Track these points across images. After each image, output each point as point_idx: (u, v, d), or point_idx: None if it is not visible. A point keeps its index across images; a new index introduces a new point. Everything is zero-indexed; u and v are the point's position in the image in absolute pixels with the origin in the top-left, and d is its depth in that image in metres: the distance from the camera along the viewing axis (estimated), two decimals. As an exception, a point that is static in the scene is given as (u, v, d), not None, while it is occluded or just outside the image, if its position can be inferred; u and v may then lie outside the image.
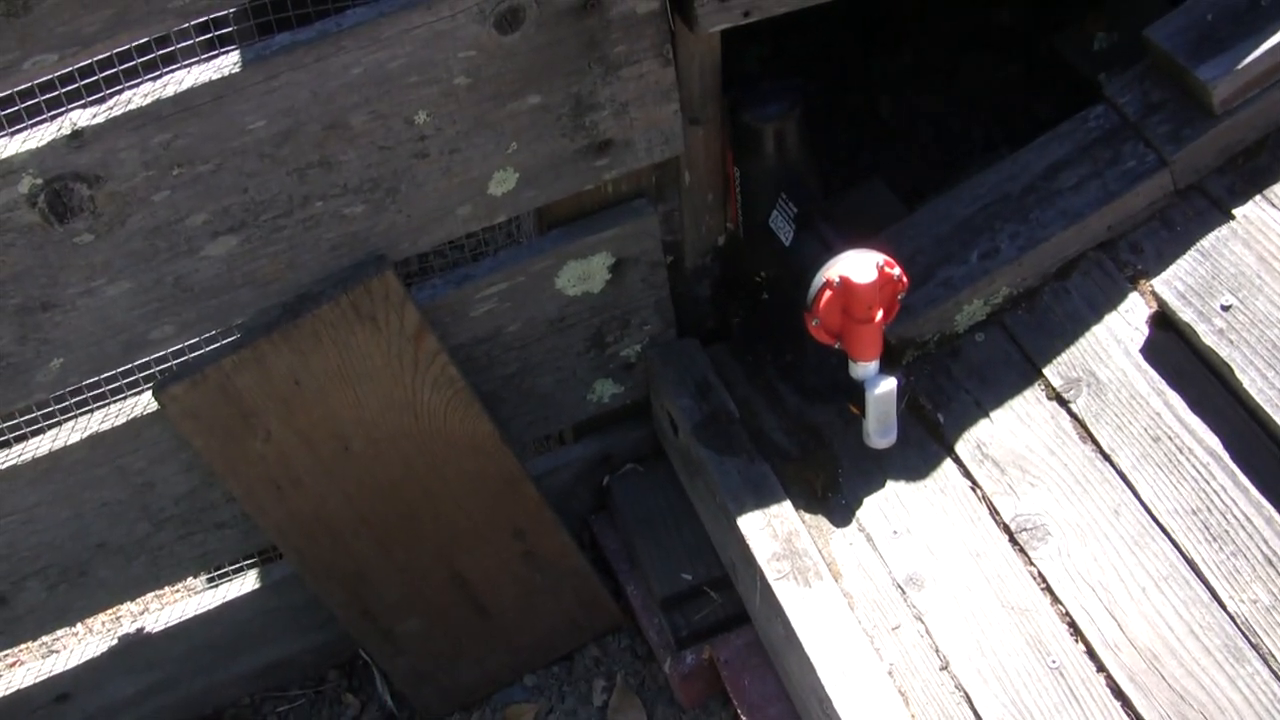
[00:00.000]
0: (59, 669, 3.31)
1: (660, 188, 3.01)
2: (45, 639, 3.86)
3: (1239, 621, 2.59)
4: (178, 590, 3.83)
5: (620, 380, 3.26)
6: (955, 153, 3.92)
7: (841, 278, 2.73)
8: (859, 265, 2.73)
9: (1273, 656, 2.54)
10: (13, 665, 3.88)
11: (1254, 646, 2.56)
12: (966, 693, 2.66)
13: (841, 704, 2.65)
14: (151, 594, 3.75)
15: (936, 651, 2.72)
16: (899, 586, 2.82)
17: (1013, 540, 2.81)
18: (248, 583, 3.36)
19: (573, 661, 3.50)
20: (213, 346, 2.76)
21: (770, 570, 2.83)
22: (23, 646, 3.85)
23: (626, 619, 3.47)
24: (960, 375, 3.05)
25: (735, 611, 3.17)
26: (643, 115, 2.77)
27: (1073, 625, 2.68)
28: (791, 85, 2.93)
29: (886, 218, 3.30)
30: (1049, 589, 2.73)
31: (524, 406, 3.18)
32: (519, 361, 3.09)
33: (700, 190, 3.05)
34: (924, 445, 3.00)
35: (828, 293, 2.75)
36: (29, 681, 3.31)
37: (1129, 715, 2.56)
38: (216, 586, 3.40)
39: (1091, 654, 2.64)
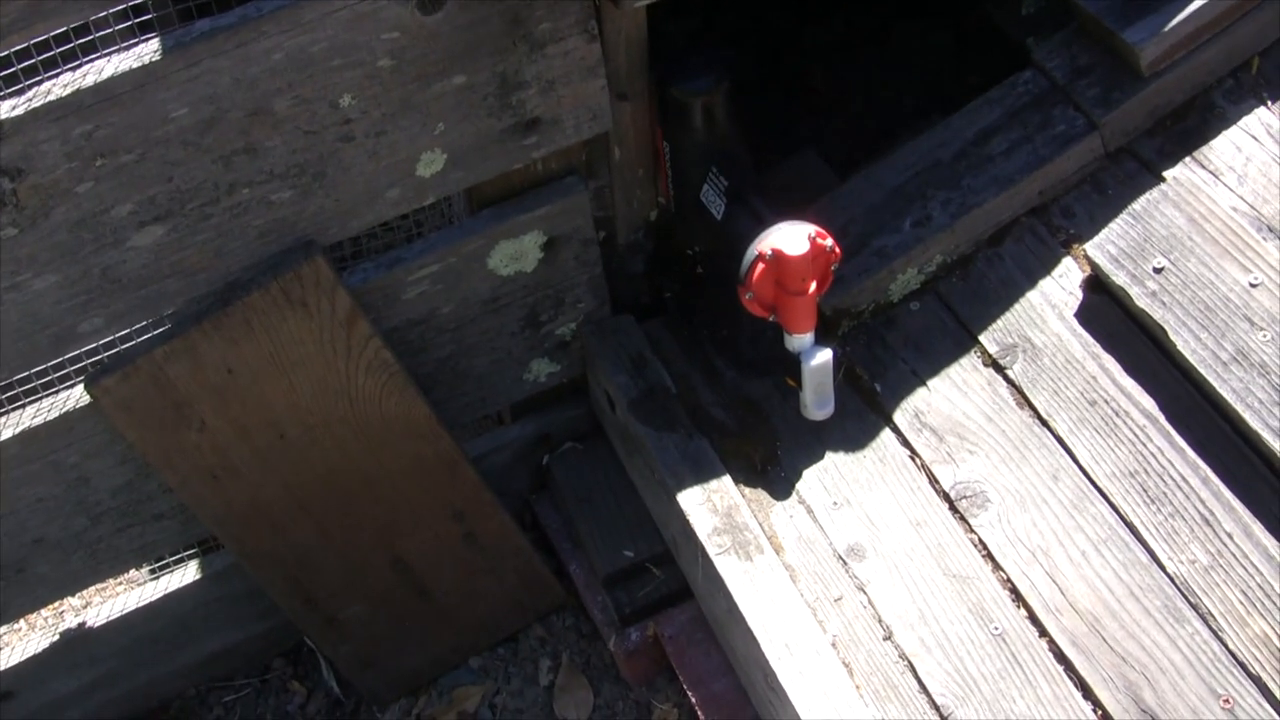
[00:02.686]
0: (0, 667, 3.28)
1: (590, 164, 3.00)
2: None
3: (1178, 582, 2.60)
4: (121, 583, 3.81)
5: (556, 359, 3.25)
6: (888, 121, 3.91)
7: (774, 250, 2.72)
8: (791, 237, 2.73)
9: (1211, 616, 2.55)
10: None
11: (1193, 606, 2.57)
12: (910, 662, 2.66)
13: (786, 677, 2.65)
14: (94, 588, 3.72)
15: (879, 622, 2.73)
16: (840, 558, 2.82)
17: (953, 508, 2.81)
18: (189, 573, 3.34)
19: (518, 642, 3.49)
20: (144, 338, 2.73)
21: (711, 545, 2.82)
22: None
23: (570, 598, 3.46)
24: (896, 344, 3.05)
25: (678, 587, 3.17)
26: (570, 92, 2.75)
27: (1014, 591, 2.69)
28: (720, 58, 2.92)
29: (819, 188, 3.29)
30: (990, 556, 2.74)
31: (460, 388, 3.17)
32: (454, 343, 3.07)
33: (631, 166, 3.04)
34: (862, 415, 3.00)
35: (760, 266, 2.74)
36: (-29, 681, 3.29)
37: (1071, 679, 2.57)
38: (158, 578, 3.38)
39: (1033, 619, 2.65)
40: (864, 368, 3.04)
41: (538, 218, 2.94)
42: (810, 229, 2.74)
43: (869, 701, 2.63)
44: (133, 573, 3.73)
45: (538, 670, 3.43)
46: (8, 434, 2.76)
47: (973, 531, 2.77)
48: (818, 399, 2.91)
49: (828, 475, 2.94)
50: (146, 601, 3.32)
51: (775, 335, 2.90)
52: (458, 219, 3.08)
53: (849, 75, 4.04)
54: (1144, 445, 2.74)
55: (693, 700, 3.04)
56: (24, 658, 3.29)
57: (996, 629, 2.65)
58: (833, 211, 3.12)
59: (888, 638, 2.71)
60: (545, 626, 3.49)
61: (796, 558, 2.83)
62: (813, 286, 2.76)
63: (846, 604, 2.76)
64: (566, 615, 3.49)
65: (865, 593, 2.76)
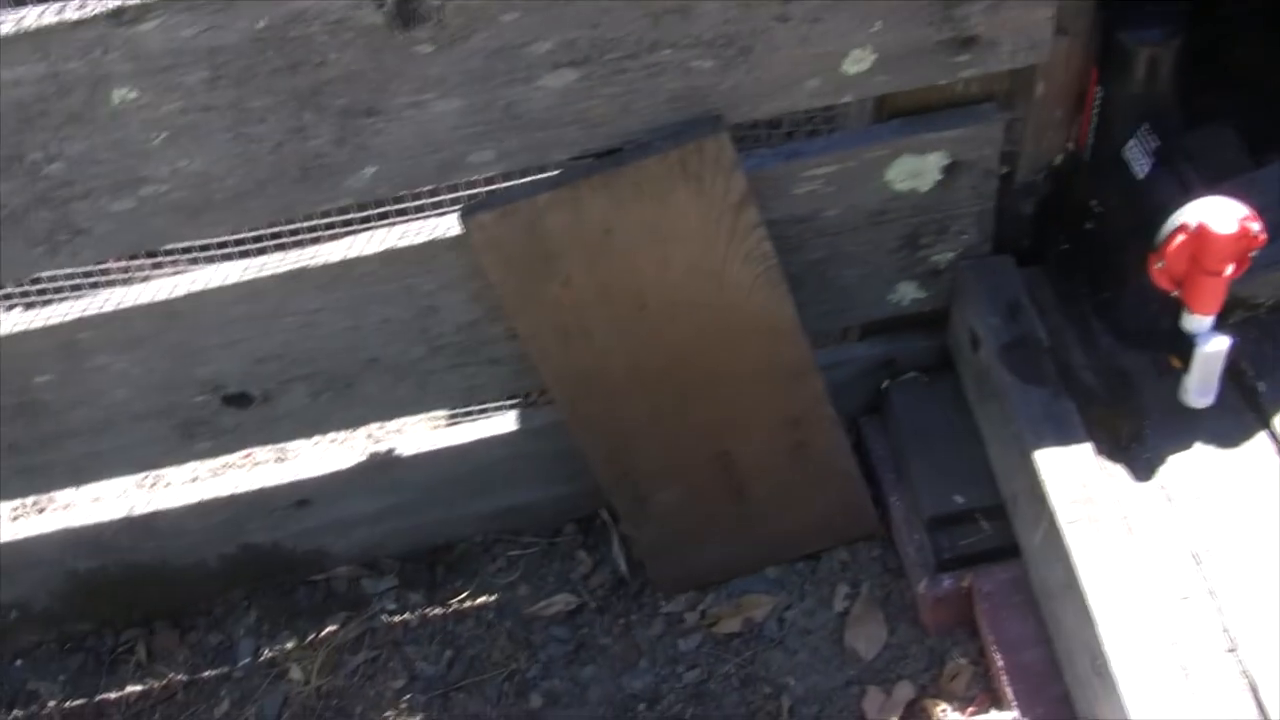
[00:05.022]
0: (304, 475, 3.32)
1: (1010, 95, 2.86)
2: (289, 445, 3.87)
3: None
4: (435, 419, 3.80)
5: (926, 286, 3.12)
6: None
7: (1199, 224, 2.57)
8: (1220, 214, 2.57)
9: None
10: (249, 460, 3.90)
11: None
12: (1252, 682, 2.51)
13: (1119, 665, 2.51)
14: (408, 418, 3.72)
15: (1225, 632, 2.57)
16: (1193, 555, 2.67)
17: (1324, 531, 2.65)
18: (507, 423, 3.31)
19: (818, 561, 3.39)
20: (525, 180, 2.67)
21: (1063, 513, 2.69)
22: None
23: (882, 530, 3.35)
24: (1290, 346, 2.89)
25: (1003, 544, 3.03)
26: (1015, 16, 2.60)
27: (1382, 631, 2.53)
28: (1175, 10, 2.76)
29: (1228, 165, 3.11)
30: (1360, 588, 2.58)
31: (822, 295, 3.06)
32: (829, 248, 2.96)
33: (1050, 104, 2.89)
34: (1238, 412, 2.84)
35: (1180, 237, 2.59)
36: (273, 482, 3.32)
37: None
38: (474, 421, 3.35)
39: (1401, 666, 2.49)
40: (1250, 363, 2.87)
41: (947, 139, 2.82)
42: (1241, 209, 2.58)
43: (1201, 713, 2.49)
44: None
45: (834, 595, 3.33)
46: (371, 250, 2.74)
47: (1343, 560, 2.61)
48: (1202, 386, 2.75)
49: (1192, 466, 2.78)
50: (458, 442, 3.31)
51: (1162, 308, 2.75)
52: (852, 124, 2.98)
53: (1269, 52, 3.83)
54: None
55: (999, 663, 2.92)
56: (329, 471, 3.32)
57: (1354, 668, 2.50)
58: (1249, 193, 2.92)
59: (1232, 650, 2.55)
60: (850, 552, 3.38)
61: (1147, 544, 2.68)
62: (1229, 269, 2.61)
63: (1193, 604, 2.61)
64: (874, 546, 3.38)
65: (1215, 597, 2.61)
